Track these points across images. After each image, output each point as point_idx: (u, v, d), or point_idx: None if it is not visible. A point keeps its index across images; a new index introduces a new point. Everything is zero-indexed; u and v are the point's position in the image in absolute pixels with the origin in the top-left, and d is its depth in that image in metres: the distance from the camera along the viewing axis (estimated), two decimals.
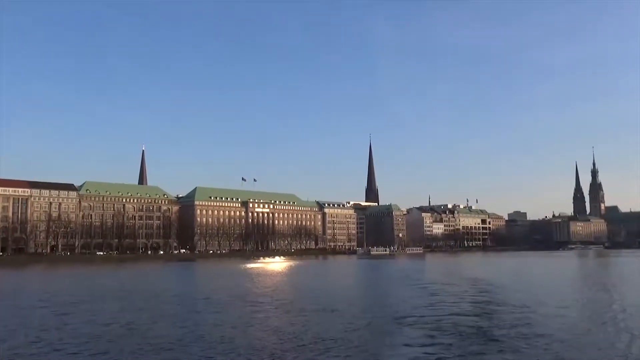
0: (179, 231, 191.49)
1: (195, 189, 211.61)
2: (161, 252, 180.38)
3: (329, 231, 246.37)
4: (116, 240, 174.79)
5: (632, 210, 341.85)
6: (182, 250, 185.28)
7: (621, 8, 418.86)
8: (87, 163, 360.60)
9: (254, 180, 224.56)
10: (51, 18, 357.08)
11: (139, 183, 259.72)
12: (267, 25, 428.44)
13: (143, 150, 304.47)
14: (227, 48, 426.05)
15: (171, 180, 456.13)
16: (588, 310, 32.75)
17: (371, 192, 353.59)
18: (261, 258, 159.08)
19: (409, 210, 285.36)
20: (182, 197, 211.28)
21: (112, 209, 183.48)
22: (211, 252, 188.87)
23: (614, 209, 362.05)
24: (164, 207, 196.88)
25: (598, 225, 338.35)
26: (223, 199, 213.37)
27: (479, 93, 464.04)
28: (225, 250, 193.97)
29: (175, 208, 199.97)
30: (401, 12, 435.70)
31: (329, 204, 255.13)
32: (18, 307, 35.62)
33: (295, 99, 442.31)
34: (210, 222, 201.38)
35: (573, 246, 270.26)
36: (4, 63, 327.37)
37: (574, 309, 33.74)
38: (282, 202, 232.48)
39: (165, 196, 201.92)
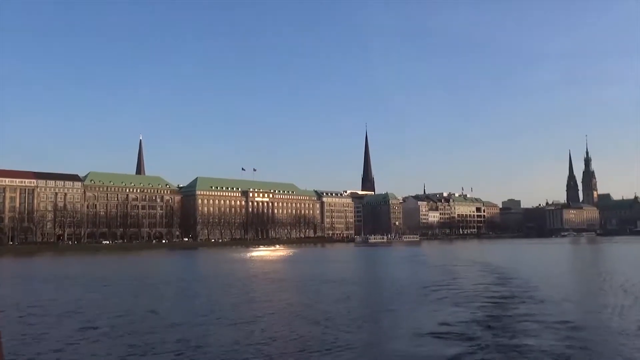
0: (181, 220, 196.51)
1: (196, 179, 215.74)
2: (164, 241, 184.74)
3: (327, 220, 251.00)
4: (121, 229, 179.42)
5: (624, 197, 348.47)
6: (185, 239, 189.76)
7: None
8: (86, 153, 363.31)
9: (254, 170, 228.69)
10: (50, 11, 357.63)
11: (136, 173, 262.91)
12: (263, 16, 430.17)
13: (140, 140, 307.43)
14: (224, 38, 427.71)
15: (169, 170, 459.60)
16: (581, 280, 41.86)
17: (367, 180, 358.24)
18: (261, 246, 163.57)
19: (405, 199, 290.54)
20: (183, 187, 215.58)
21: (116, 198, 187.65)
22: (213, 240, 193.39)
23: (607, 196, 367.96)
24: (167, 197, 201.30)
25: (590, 213, 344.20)
26: (224, 188, 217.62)
27: (474, 81, 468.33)
28: (226, 238, 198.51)
29: (177, 198, 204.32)
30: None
31: (327, 193, 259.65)
32: (152, 285, 40.94)
33: (292, 89, 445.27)
34: (211, 212, 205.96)
35: (565, 233, 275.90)
36: (5, 56, 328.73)
37: (571, 279, 42.87)
38: (281, 192, 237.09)
39: (168, 186, 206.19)
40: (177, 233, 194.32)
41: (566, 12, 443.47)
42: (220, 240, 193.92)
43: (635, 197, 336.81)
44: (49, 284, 43.27)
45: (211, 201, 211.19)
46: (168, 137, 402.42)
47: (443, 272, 47.52)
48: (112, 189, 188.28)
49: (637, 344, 16.96)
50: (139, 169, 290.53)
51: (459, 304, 25.80)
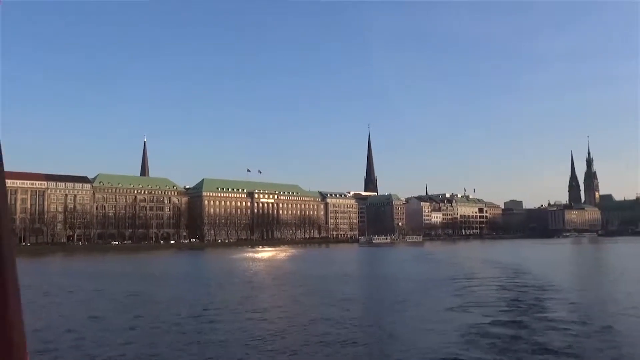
0: (188, 221, 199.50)
1: (202, 181, 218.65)
2: (172, 242, 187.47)
3: (331, 220, 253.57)
4: (129, 230, 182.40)
5: (626, 198, 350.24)
6: (192, 240, 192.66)
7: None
8: (92, 155, 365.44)
9: (259, 171, 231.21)
10: (54, 15, 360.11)
11: (141, 174, 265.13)
12: (265, 16, 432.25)
13: (145, 142, 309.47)
14: (226, 40, 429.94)
15: (174, 172, 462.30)
16: (586, 274, 47.49)
17: (370, 181, 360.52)
18: (267, 247, 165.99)
19: (408, 200, 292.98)
20: (190, 188, 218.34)
21: (124, 200, 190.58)
22: (219, 241, 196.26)
23: (608, 197, 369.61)
24: (174, 198, 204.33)
25: (592, 214, 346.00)
26: (229, 189, 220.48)
27: (476, 82, 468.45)
28: (232, 239, 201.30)
29: (184, 199, 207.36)
30: (400, 0, 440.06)
31: (331, 194, 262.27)
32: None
33: (296, 90, 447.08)
34: (217, 212, 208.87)
35: (567, 234, 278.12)
36: (13, 60, 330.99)
37: (578, 273, 48.35)
38: (286, 193, 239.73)
39: (175, 188, 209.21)
40: (184, 234, 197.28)
41: (568, 12, 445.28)
42: (227, 241, 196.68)
43: (637, 198, 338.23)
44: (121, 279, 47.82)
45: (217, 202, 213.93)
46: (173, 139, 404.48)
47: (460, 269, 50.78)
48: (121, 191, 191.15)
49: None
50: (144, 171, 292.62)
51: (487, 290, 30.20)
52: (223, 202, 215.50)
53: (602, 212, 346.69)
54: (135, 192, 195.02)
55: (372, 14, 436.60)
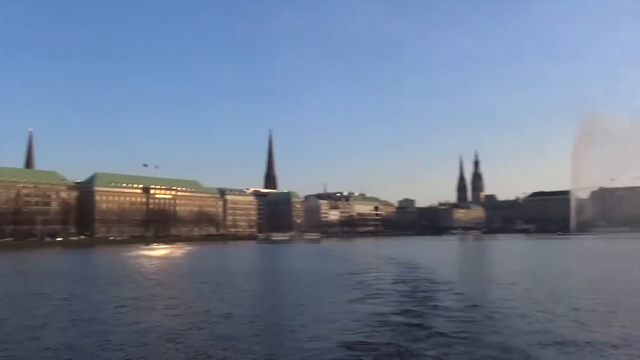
0: (78, 217, 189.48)
1: (94, 175, 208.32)
2: (59, 239, 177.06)
3: (230, 217, 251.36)
4: (11, 226, 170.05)
5: (508, 198, 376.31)
6: (81, 237, 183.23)
7: (516, 5, 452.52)
8: None
9: (156, 167, 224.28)
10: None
11: (26, 167, 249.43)
12: (163, 10, 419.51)
13: (30, 132, 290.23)
14: (125, 33, 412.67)
15: (66, 166, 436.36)
16: (468, 265, 50.37)
17: (270, 178, 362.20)
18: (162, 244, 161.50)
19: (306, 197, 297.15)
20: (80, 182, 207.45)
21: (6, 194, 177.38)
22: (111, 238, 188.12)
23: (492, 197, 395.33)
24: (62, 193, 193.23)
25: (478, 212, 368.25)
26: (124, 185, 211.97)
27: (374, 84, 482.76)
28: (125, 236, 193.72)
29: (74, 194, 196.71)
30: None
31: (230, 191, 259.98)
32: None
33: (195, 86, 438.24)
34: (110, 208, 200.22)
35: (455, 231, 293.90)
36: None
37: (458, 266, 50.77)
38: (183, 188, 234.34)
39: (64, 182, 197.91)
40: (73, 230, 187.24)
41: (467, 18, 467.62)
42: (120, 238, 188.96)
43: (516, 199, 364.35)
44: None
45: (110, 197, 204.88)
46: (64, 132, 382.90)
47: (357, 264, 53.00)
48: (2, 184, 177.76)
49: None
50: (29, 164, 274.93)
51: (383, 283, 31.79)
52: (116, 198, 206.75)
53: (486, 211, 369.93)
54: (20, 185, 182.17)
55: (275, 11, 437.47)
